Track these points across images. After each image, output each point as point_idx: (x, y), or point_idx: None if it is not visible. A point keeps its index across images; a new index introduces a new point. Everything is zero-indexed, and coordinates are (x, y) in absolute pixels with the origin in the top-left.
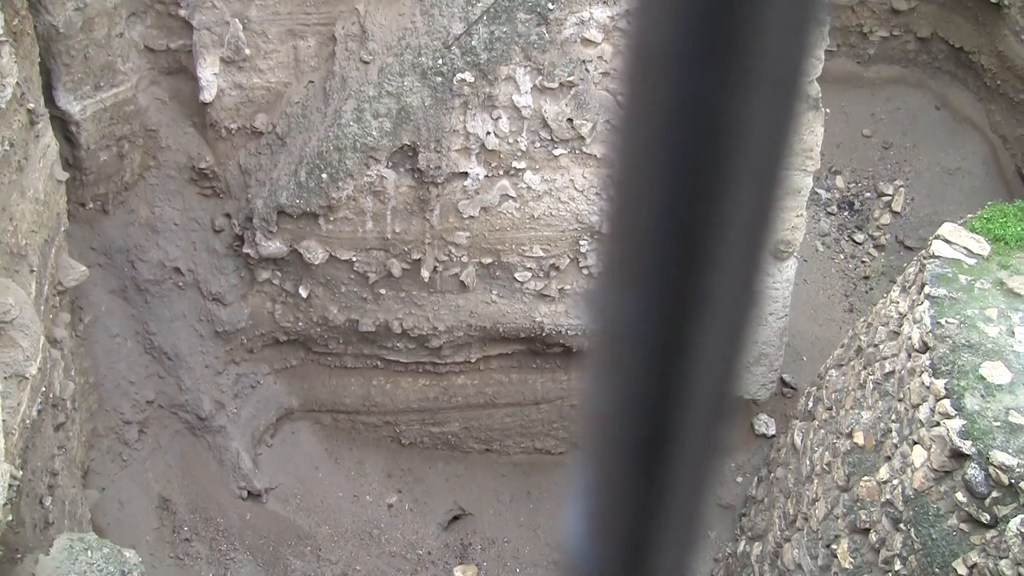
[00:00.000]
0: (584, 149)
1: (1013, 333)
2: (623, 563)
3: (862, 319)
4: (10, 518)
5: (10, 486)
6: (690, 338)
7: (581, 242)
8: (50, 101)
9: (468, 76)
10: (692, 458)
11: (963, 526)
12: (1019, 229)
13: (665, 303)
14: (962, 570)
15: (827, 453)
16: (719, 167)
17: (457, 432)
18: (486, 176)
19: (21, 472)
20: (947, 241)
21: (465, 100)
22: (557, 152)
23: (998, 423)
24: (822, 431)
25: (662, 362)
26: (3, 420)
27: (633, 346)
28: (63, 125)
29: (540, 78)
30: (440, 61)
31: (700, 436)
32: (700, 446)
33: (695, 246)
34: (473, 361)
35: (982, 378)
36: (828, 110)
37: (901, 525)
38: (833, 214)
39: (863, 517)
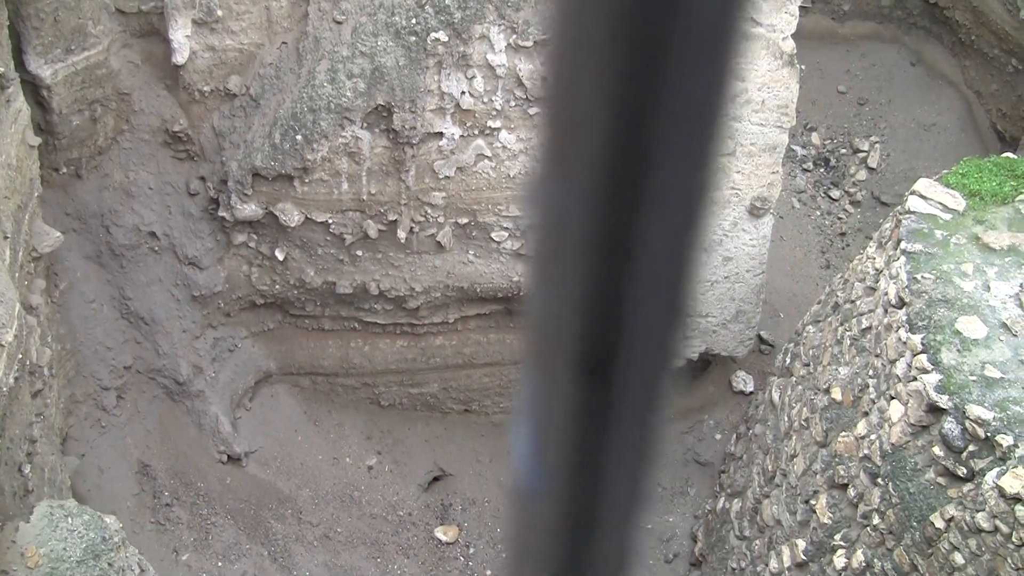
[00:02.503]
0: None
1: (988, 288)
2: (573, 482)
3: (839, 275)
4: None
5: None
6: (639, 232)
7: None
8: (20, 65)
9: (442, 35)
10: (643, 367)
11: (940, 480)
12: (994, 184)
13: (611, 192)
14: (939, 523)
15: (805, 409)
16: (671, 38)
17: (436, 393)
18: (461, 136)
19: None
20: (923, 197)
21: (439, 59)
22: (532, 111)
23: (974, 377)
24: (800, 387)
25: (609, 259)
26: None
27: (577, 242)
28: (34, 90)
29: (514, 36)
30: (414, 20)
31: (651, 343)
32: (651, 354)
33: (644, 126)
34: (451, 322)
35: (958, 333)
36: (803, 67)
37: (879, 480)
38: (809, 171)
39: (841, 472)
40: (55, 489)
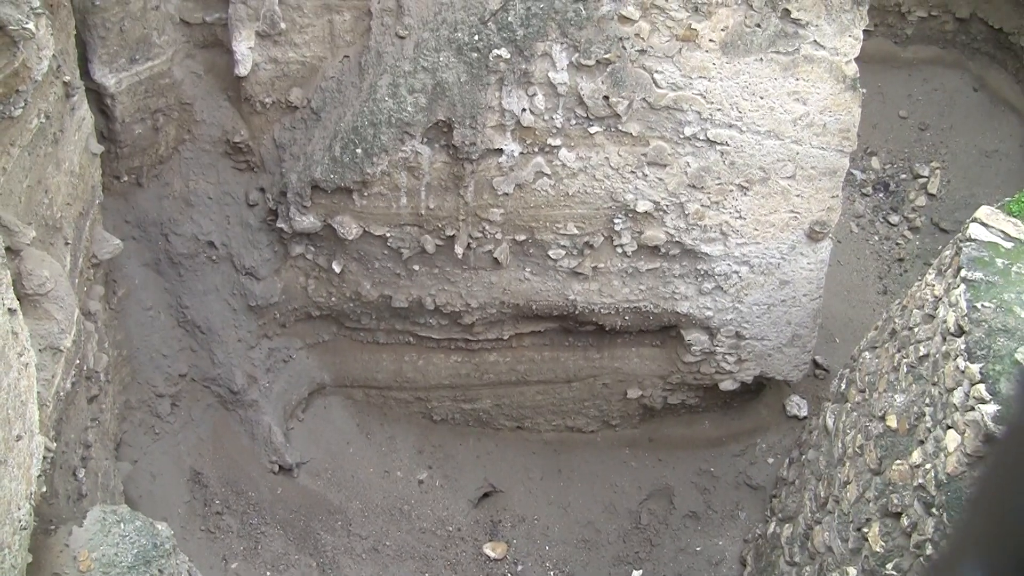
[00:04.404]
0: (620, 127)
1: None
2: None
3: (896, 301)
4: (44, 490)
5: (44, 458)
6: None
7: (615, 220)
8: (85, 74)
9: (504, 52)
10: None
11: None
12: None
13: None
14: None
15: (859, 436)
16: None
17: (488, 409)
18: (521, 153)
19: (55, 444)
20: (984, 224)
21: (501, 76)
22: (593, 130)
23: None
24: (855, 413)
25: None
26: (38, 392)
27: None
28: (98, 98)
29: (576, 55)
30: (476, 37)
31: None
32: None
33: None
34: (505, 338)
35: (1018, 363)
36: (865, 90)
37: (934, 510)
38: (868, 195)
39: (895, 501)
40: (108, 494)
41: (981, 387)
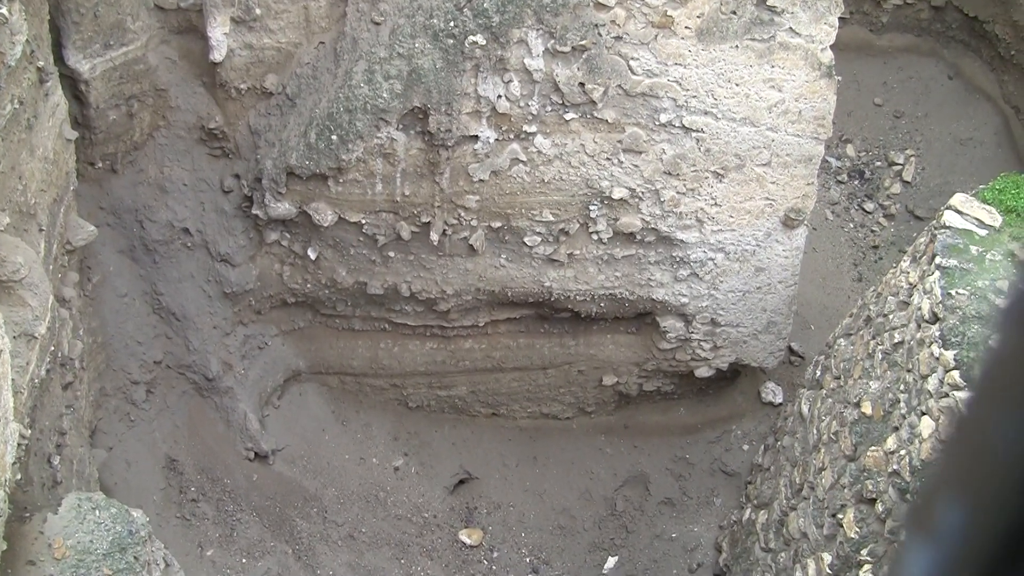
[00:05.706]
0: (595, 114)
1: None
2: None
3: (871, 288)
4: (19, 477)
5: (19, 445)
6: None
7: (591, 207)
8: (59, 59)
9: (480, 39)
10: None
11: None
12: None
13: None
14: None
15: (834, 422)
16: None
17: (464, 396)
18: (496, 140)
19: (30, 431)
20: (958, 212)
21: (476, 63)
22: (568, 116)
23: None
24: (830, 400)
25: None
26: (12, 379)
27: None
28: (72, 84)
29: (552, 42)
30: (452, 23)
31: None
32: None
33: None
34: (481, 325)
35: (992, 350)
36: (840, 78)
37: (908, 496)
38: (843, 183)
39: (870, 487)
40: (83, 481)
41: (955, 374)
